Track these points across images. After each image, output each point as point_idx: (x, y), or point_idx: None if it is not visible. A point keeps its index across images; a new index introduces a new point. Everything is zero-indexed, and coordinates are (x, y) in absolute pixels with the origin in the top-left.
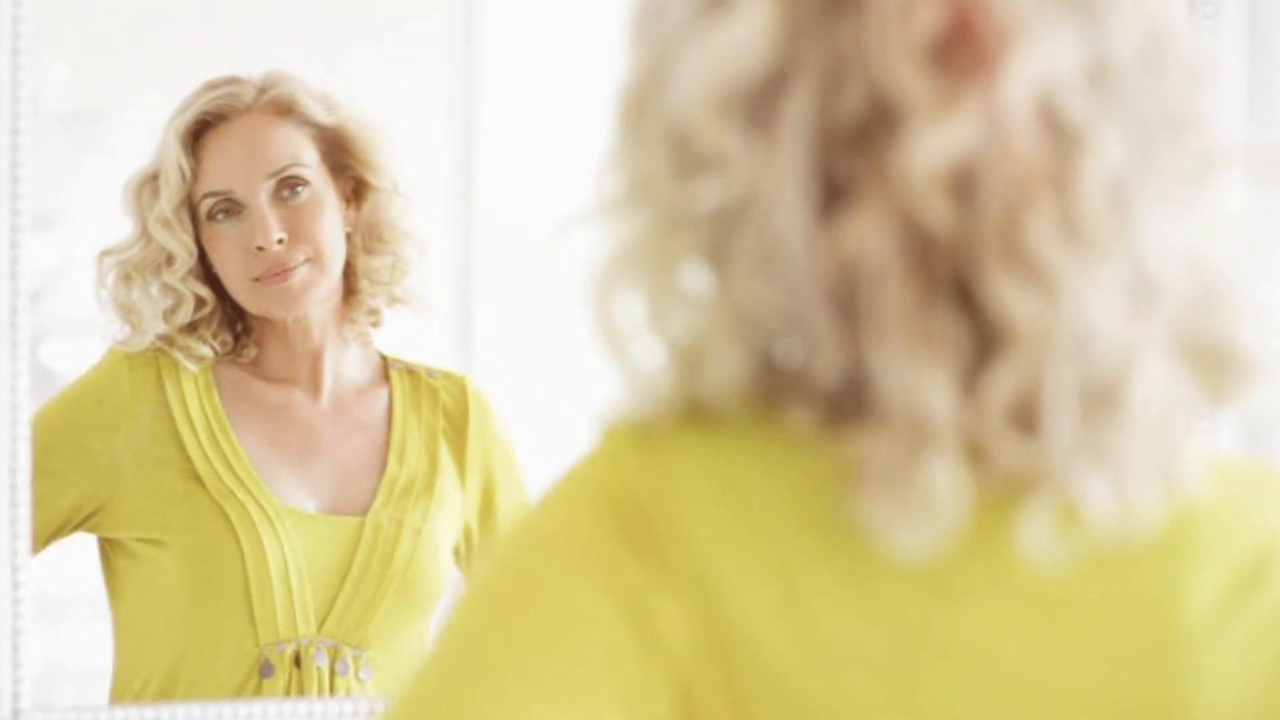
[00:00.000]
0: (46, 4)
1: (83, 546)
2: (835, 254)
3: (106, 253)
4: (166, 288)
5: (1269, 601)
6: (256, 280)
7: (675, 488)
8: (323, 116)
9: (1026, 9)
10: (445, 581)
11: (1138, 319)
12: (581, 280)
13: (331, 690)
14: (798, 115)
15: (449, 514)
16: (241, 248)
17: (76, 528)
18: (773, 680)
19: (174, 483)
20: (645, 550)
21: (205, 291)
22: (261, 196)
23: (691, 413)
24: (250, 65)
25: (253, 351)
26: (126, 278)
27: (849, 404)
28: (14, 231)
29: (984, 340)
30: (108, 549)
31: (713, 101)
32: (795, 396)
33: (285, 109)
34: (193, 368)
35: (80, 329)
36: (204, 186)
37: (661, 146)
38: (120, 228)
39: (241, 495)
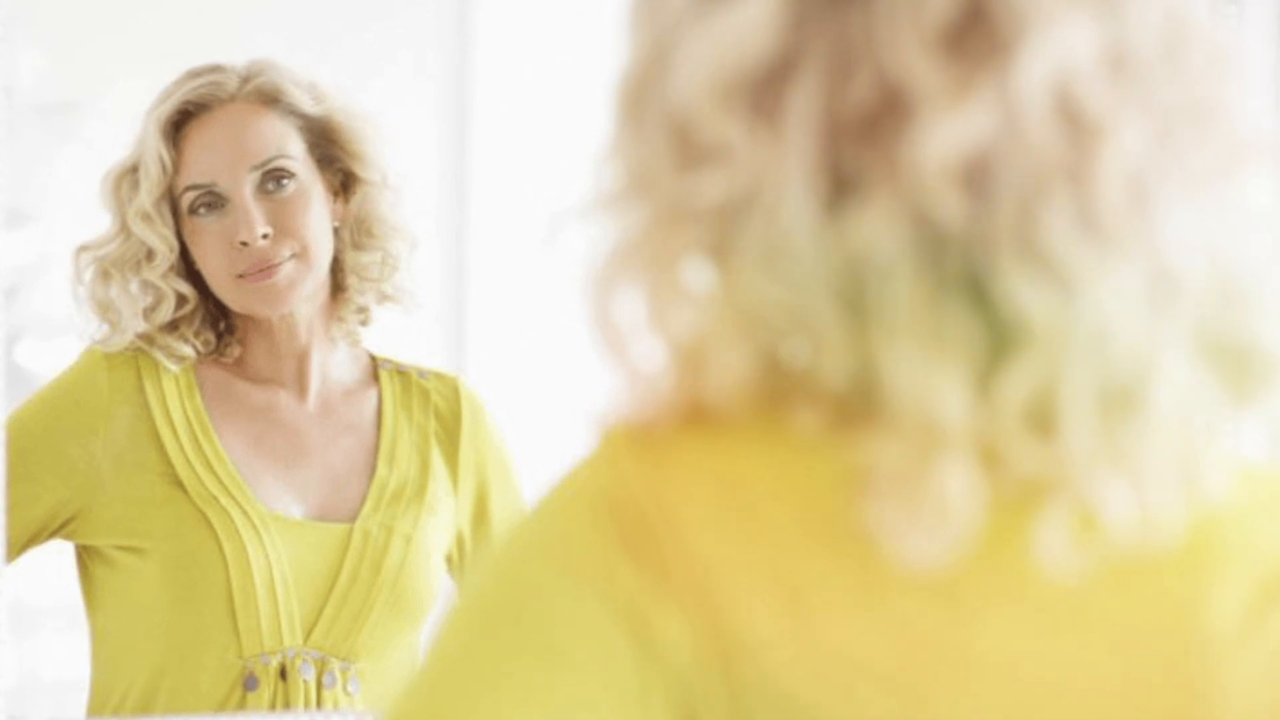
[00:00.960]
0: None
1: (59, 554)
2: (843, 249)
3: (84, 248)
4: (146, 285)
5: None
6: (240, 277)
7: (677, 493)
8: (309, 106)
9: None
10: (437, 591)
11: (1158, 317)
12: (579, 277)
13: (319, 704)
14: (804, 105)
15: (441, 520)
16: (224, 243)
17: (53, 535)
18: (778, 693)
19: (154, 488)
20: (645, 558)
21: (187, 288)
22: (245, 189)
23: (694, 415)
24: (234, 53)
25: (236, 351)
26: (105, 274)
27: (857, 405)
28: None
29: (998, 339)
30: (85, 557)
31: (716, 91)
32: (801, 398)
33: (270, 98)
34: (174, 368)
35: (56, 328)
36: (185, 179)
37: (662, 137)
38: (98, 222)
39: (224, 500)
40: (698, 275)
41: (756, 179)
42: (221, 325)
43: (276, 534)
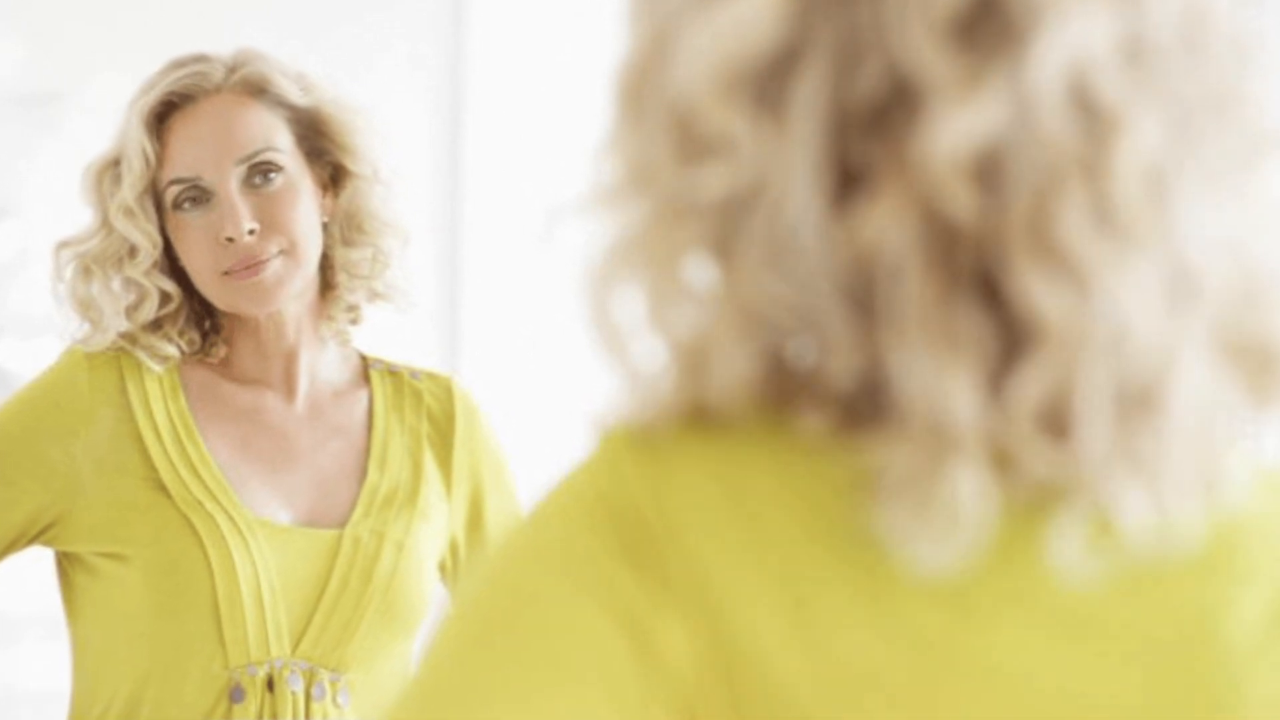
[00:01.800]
0: None
1: (39, 561)
2: (850, 245)
3: (64, 244)
4: (129, 282)
5: None
6: (226, 274)
7: (678, 497)
8: (298, 97)
9: None
10: (430, 599)
11: (1177, 315)
12: (577, 274)
13: (307, 716)
14: (809, 96)
15: (434, 526)
16: (210, 239)
17: (32, 541)
18: (783, 704)
19: (137, 492)
20: (646, 565)
21: (171, 286)
22: (231, 183)
23: (696, 417)
24: (221, 43)
25: (222, 351)
26: (86, 271)
27: (865, 407)
28: None
29: (1011, 339)
30: (66, 564)
31: (718, 82)
32: (807, 399)
33: (257, 89)
34: (157, 368)
35: (36, 326)
36: (169, 173)
37: (663, 130)
38: (79, 217)
39: (210, 506)
40: (699, 272)
41: (760, 173)
42: (206, 324)
43: (263, 540)
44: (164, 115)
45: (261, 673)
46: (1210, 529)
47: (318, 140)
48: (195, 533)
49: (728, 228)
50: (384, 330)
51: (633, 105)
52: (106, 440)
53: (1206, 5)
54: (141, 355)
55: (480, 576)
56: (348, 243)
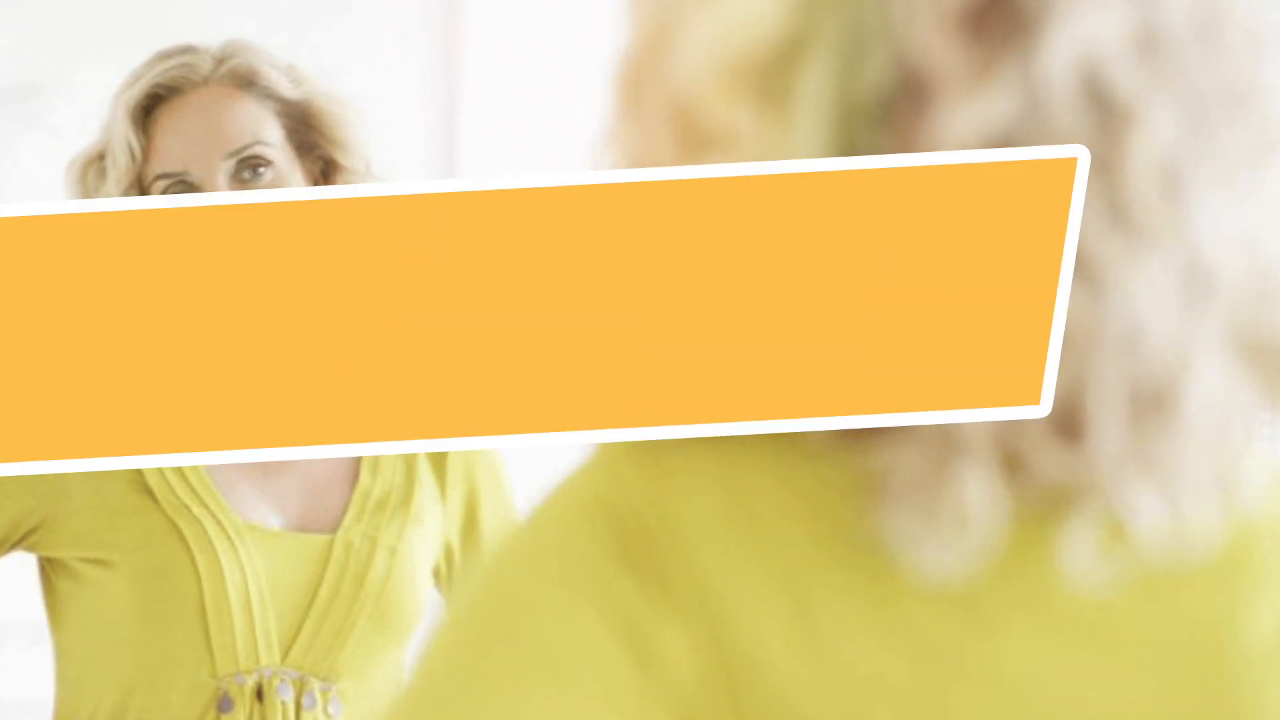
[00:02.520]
0: None
1: (22, 567)
2: None
3: None
4: None
5: None
6: None
7: (678, 501)
8: (287, 90)
9: None
10: (423, 606)
11: (1192, 314)
12: None
13: None
14: (815, 88)
15: (428, 530)
16: None
17: (14, 546)
18: (786, 711)
19: (122, 496)
20: (645, 570)
21: None
22: (219, 178)
23: None
24: (208, 34)
25: None
26: None
27: None
28: None
29: None
30: (49, 570)
31: (721, 73)
32: None
33: (246, 81)
34: None
35: None
36: (156, 167)
37: (664, 123)
38: None
39: (197, 510)
40: None
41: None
42: None
43: (252, 545)
44: (150, 108)
45: (250, 682)
46: (1226, 533)
47: (308, 134)
48: (182, 538)
49: None
50: None
51: (632, 97)
52: None
53: None
54: None
55: (476, 582)
56: None
